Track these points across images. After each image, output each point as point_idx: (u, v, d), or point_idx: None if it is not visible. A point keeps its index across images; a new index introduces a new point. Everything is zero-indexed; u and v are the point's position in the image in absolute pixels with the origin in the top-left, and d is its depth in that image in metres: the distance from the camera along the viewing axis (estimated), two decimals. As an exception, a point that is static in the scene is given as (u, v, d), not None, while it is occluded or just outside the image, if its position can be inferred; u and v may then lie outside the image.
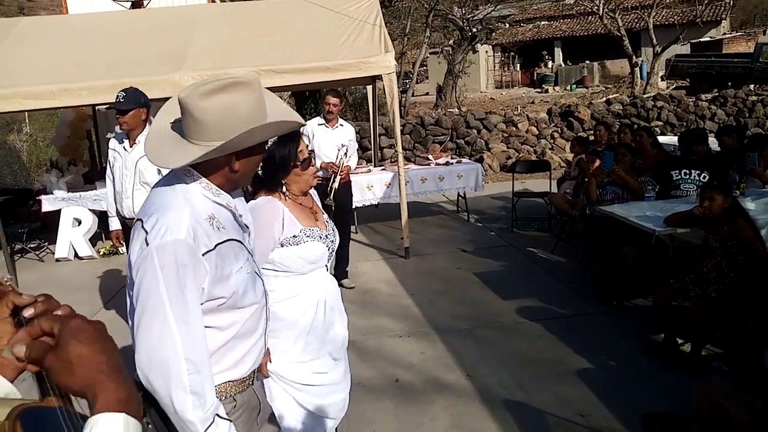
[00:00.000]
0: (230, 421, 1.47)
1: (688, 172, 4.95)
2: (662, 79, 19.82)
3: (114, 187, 4.19)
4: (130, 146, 4.05)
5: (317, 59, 5.84)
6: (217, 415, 1.43)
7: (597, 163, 5.17)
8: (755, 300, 3.56)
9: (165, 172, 1.58)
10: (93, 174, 8.46)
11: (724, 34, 24.90)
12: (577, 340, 4.07)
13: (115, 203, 4.21)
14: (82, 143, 9.55)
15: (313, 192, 2.35)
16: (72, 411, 0.69)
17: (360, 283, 5.47)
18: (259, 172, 2.10)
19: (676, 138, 7.10)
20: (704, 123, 11.69)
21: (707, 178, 4.80)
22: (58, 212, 7.04)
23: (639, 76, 18.67)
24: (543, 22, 29.39)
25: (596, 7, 17.87)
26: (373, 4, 6.60)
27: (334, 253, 2.32)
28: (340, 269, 5.21)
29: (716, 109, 12.03)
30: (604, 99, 13.43)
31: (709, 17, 21.87)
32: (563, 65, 27.06)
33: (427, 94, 23.52)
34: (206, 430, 1.39)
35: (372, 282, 5.54)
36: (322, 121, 5.31)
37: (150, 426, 1.44)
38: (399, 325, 4.53)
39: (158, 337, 1.38)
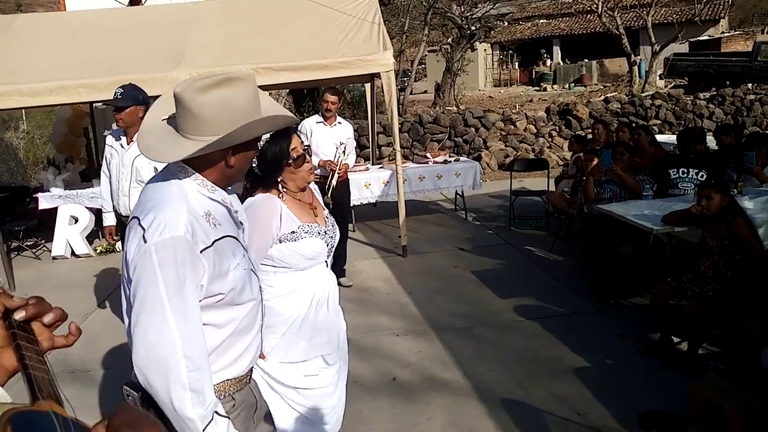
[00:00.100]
0: (229, 418, 1.46)
1: (686, 170, 4.95)
2: (660, 78, 19.83)
3: (111, 184, 4.18)
4: (127, 143, 4.03)
5: (315, 57, 5.83)
6: (216, 412, 1.42)
7: (595, 161, 5.17)
8: (752, 299, 3.56)
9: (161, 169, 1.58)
10: (90, 172, 8.44)
11: (723, 32, 24.94)
12: (574, 338, 4.07)
13: (112, 200, 4.20)
14: (79, 141, 9.50)
15: (314, 187, 2.34)
16: (63, 415, 0.68)
17: (357, 282, 5.47)
18: (256, 170, 2.10)
19: (674, 136, 7.11)
20: (702, 122, 11.70)
21: (705, 176, 4.79)
22: (54, 210, 7.01)
23: (637, 74, 18.65)
24: (541, 21, 29.40)
25: (595, 6, 17.82)
26: (371, 2, 6.58)
27: (334, 249, 2.31)
28: (337, 267, 5.19)
29: (714, 108, 12.04)
30: (603, 97, 13.43)
31: (707, 16, 21.92)
32: (562, 64, 27.07)
33: (425, 92, 23.46)
34: (205, 427, 1.38)
35: (369, 280, 5.54)
36: (321, 119, 5.30)
37: None
38: (396, 324, 4.53)
39: (156, 335, 1.37)
